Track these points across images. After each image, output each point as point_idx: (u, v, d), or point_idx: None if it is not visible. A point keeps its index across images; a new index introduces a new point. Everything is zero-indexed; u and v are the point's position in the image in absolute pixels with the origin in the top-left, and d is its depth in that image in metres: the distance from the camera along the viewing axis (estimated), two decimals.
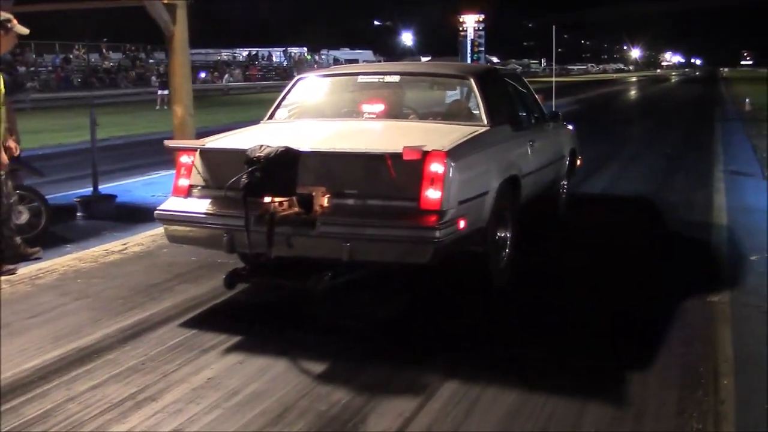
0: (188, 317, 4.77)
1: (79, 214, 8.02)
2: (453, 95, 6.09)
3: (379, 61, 69.82)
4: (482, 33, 63.36)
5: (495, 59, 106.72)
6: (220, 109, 26.75)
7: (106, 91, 36.60)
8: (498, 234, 5.37)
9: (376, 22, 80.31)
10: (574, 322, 4.71)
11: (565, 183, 7.99)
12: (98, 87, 39.15)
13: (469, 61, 59.10)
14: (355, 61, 65.75)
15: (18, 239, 6.12)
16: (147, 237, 6.94)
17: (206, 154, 5.03)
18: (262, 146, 4.44)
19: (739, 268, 5.86)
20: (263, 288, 5.23)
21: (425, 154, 4.47)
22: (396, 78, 5.91)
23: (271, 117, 6.08)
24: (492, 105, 5.64)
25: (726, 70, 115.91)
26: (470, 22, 63.15)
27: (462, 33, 63.92)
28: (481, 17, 63.88)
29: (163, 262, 6.12)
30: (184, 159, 5.10)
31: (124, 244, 6.77)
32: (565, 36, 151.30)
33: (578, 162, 8.39)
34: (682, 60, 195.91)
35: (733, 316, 4.77)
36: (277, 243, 4.61)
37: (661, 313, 4.77)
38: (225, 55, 65.32)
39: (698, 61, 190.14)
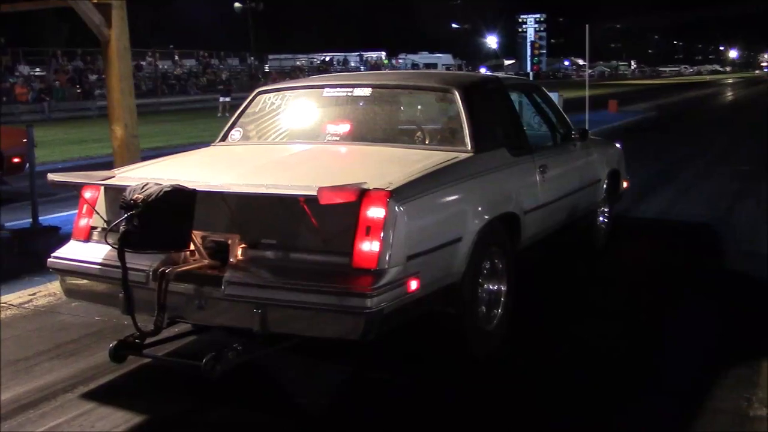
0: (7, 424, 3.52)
1: (16, 249, 7.04)
2: (434, 112, 4.96)
3: (459, 66, 68.71)
4: (543, 34, 60.19)
5: (580, 62, 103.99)
6: None
7: (173, 98, 36.68)
8: (484, 287, 4.26)
9: (453, 25, 78.94)
10: (568, 422, 3.53)
11: (606, 210, 6.79)
12: (167, 94, 39.31)
13: (528, 65, 56.29)
14: (434, 65, 64.75)
15: None
16: None
17: (108, 192, 4.08)
18: (145, 185, 3.44)
19: None
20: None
21: (362, 194, 3.41)
22: (367, 91, 4.83)
23: (223, 138, 5.11)
24: (480, 124, 4.50)
25: None
26: (530, 22, 60.32)
27: (521, 34, 61.19)
28: (542, 17, 60.88)
29: (59, 323, 4.91)
30: (89, 194, 4.18)
31: (33, 294, 5.53)
32: (656, 37, 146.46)
33: (624, 184, 7.19)
34: None
35: None
36: (184, 306, 3.65)
37: None
38: (302, 60, 65.33)
39: None
